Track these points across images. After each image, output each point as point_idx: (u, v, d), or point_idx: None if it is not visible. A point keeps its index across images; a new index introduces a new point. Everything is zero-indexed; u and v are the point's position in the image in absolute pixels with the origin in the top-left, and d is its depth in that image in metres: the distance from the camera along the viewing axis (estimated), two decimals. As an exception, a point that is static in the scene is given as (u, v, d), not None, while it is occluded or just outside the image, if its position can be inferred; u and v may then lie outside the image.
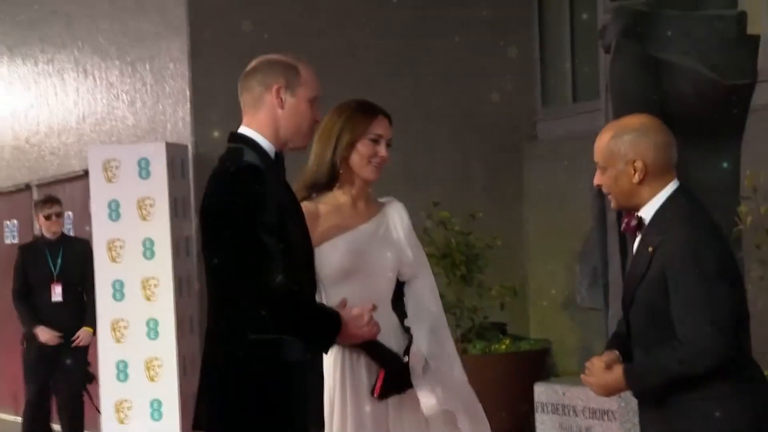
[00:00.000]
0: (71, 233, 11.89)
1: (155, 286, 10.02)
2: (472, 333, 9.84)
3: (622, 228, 4.25)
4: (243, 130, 4.20)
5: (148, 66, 11.38)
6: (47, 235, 10.21)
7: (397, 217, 4.84)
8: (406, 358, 4.66)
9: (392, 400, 4.68)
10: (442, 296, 9.11)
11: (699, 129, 7.99)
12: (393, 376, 4.61)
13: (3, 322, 13.27)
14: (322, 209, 4.70)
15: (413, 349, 4.67)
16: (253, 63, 4.28)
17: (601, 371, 4.03)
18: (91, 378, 10.27)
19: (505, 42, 11.68)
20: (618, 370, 3.99)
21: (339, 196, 4.76)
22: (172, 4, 10.93)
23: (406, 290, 4.86)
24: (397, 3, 11.15)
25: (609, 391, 4.07)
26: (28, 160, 13.82)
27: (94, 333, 10.11)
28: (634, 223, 4.07)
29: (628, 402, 7.07)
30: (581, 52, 11.34)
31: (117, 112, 11.97)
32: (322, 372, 4.27)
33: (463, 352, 8.72)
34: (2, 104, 14.58)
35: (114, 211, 10.08)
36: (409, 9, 11.29)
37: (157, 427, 10.00)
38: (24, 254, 10.37)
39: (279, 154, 4.20)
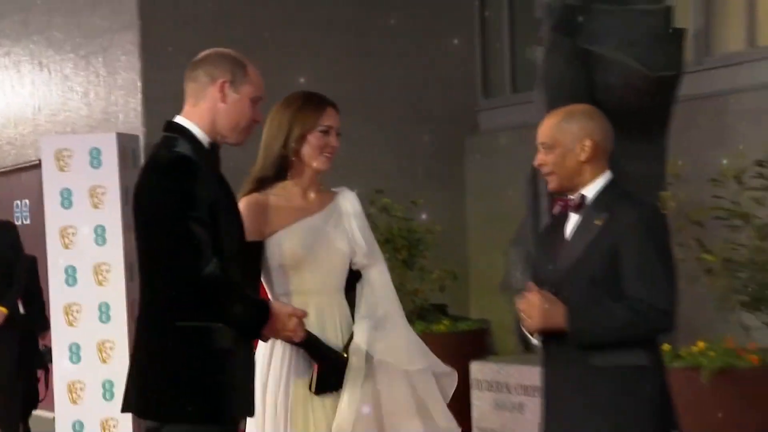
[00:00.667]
0: (28, 220, 11.83)
1: (107, 271, 9.98)
2: (413, 315, 9.84)
3: (558, 208, 4.24)
4: (179, 119, 4.13)
5: (101, 59, 11.34)
6: None
7: (349, 207, 4.75)
8: (345, 355, 4.57)
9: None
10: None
11: (628, 119, 7.98)
12: (328, 372, 4.51)
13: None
14: (272, 200, 4.61)
15: (352, 345, 4.58)
16: (203, 54, 4.21)
17: (545, 300, 3.97)
18: (43, 362, 10.19)
19: (447, 33, 11.75)
20: (561, 306, 3.96)
21: (289, 187, 4.66)
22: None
23: (361, 279, 4.75)
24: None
25: (546, 321, 3.96)
26: (-11, 150, 13.75)
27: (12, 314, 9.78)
28: (577, 201, 4.10)
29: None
30: (521, 43, 11.37)
31: (71, 103, 11.93)
32: (253, 360, 4.21)
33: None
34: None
35: (66, 199, 10.02)
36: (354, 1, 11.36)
37: (109, 406, 9.92)
38: None
39: (214, 145, 4.12)
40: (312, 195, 4.69)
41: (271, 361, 4.60)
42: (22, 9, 12.89)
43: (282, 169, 4.64)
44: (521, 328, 4.16)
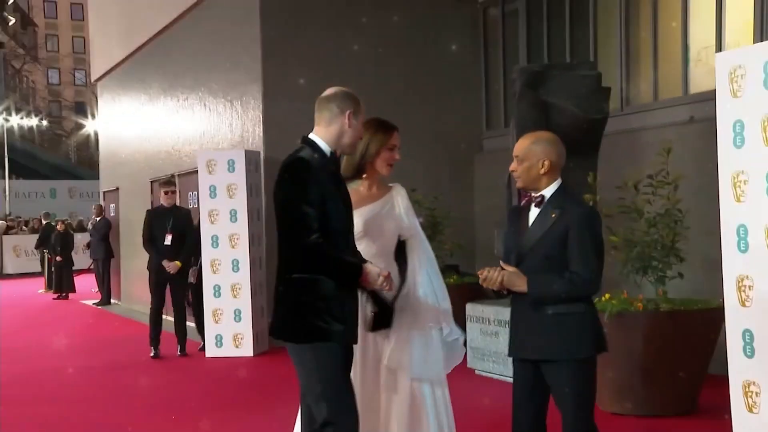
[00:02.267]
0: (196, 205, 11.94)
1: (237, 239, 10.05)
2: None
3: (523, 202, 4.02)
4: (312, 135, 3.88)
5: (239, 102, 11.43)
6: (165, 204, 10.15)
7: (399, 197, 4.51)
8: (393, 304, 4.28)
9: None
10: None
11: (571, 145, 7.93)
12: (381, 317, 4.25)
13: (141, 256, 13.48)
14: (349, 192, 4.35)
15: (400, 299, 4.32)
16: (333, 91, 3.91)
17: (510, 273, 3.84)
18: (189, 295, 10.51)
19: (464, 86, 11.70)
20: (523, 277, 3.83)
21: (359, 184, 4.40)
22: (252, 62, 10.96)
23: (408, 246, 4.47)
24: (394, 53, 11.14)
25: (512, 286, 3.85)
26: (173, 160, 13.94)
27: (184, 266, 10.09)
28: (539, 199, 3.93)
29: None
30: (510, 94, 11.27)
31: (221, 130, 12.03)
32: (355, 304, 3.91)
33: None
34: (162, 125, 14.68)
35: (212, 192, 10.13)
36: (400, 63, 11.27)
37: (239, 326, 10.08)
38: (151, 215, 10.30)
39: (333, 153, 3.87)
40: (374, 189, 4.45)
41: None
42: (194, 69, 13.04)
43: (358, 172, 4.42)
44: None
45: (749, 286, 4.86)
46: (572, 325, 3.84)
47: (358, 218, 4.28)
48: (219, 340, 10.10)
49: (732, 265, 4.97)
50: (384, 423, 4.31)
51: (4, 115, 38.71)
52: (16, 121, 40.05)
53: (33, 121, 43.37)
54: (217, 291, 10.10)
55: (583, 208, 3.90)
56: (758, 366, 4.85)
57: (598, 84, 8.18)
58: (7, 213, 33.88)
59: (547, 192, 3.94)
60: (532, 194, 3.97)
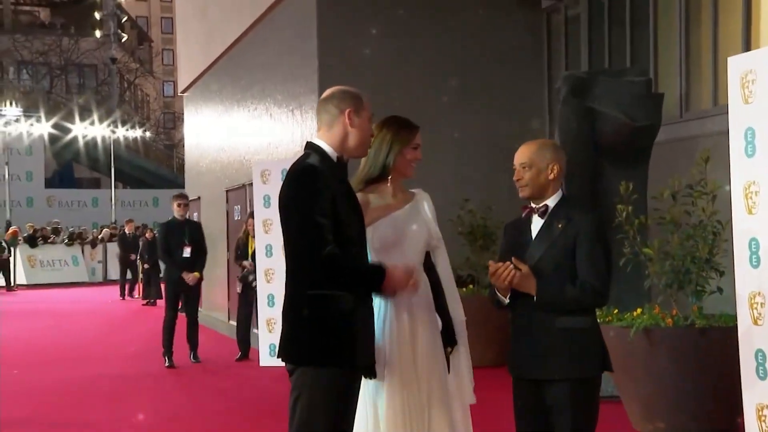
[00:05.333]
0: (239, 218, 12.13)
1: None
2: (488, 283, 9.63)
3: (524, 215, 3.82)
4: (314, 140, 3.64)
5: (299, 112, 11.51)
6: (178, 216, 10.34)
7: (425, 203, 4.23)
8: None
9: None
10: (468, 259, 8.94)
11: (617, 153, 7.69)
12: (447, 332, 4.05)
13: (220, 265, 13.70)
14: (371, 198, 4.10)
15: (456, 324, 4.11)
16: (330, 91, 3.68)
17: (527, 271, 3.64)
18: None
19: (525, 93, 11.48)
20: (533, 278, 3.62)
21: (384, 188, 4.16)
22: (310, 75, 11.02)
23: (433, 257, 4.23)
24: (460, 71, 11.03)
25: (521, 285, 3.64)
26: (245, 169, 14.07)
27: (200, 276, 10.42)
28: (542, 209, 3.75)
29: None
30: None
31: (285, 140, 12.14)
32: (372, 321, 3.64)
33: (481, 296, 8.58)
34: (233, 135, 14.94)
35: (267, 201, 10.13)
36: (460, 69, 11.17)
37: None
38: (166, 227, 10.51)
39: (340, 159, 3.62)
40: (399, 194, 4.18)
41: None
42: (261, 82, 13.21)
43: (384, 174, 4.14)
44: (495, 291, 3.79)
45: (761, 304, 4.57)
46: (578, 341, 3.65)
47: (388, 227, 4.07)
48: (272, 350, 10.04)
49: (744, 281, 4.68)
50: None
51: (112, 126, 40.11)
52: (122, 132, 41.46)
53: (138, 132, 44.86)
54: (270, 300, 10.08)
55: (591, 215, 3.72)
56: (771, 389, 4.55)
57: (648, 90, 7.88)
58: (113, 221, 35.07)
59: (551, 202, 3.76)
60: (533, 205, 3.79)
